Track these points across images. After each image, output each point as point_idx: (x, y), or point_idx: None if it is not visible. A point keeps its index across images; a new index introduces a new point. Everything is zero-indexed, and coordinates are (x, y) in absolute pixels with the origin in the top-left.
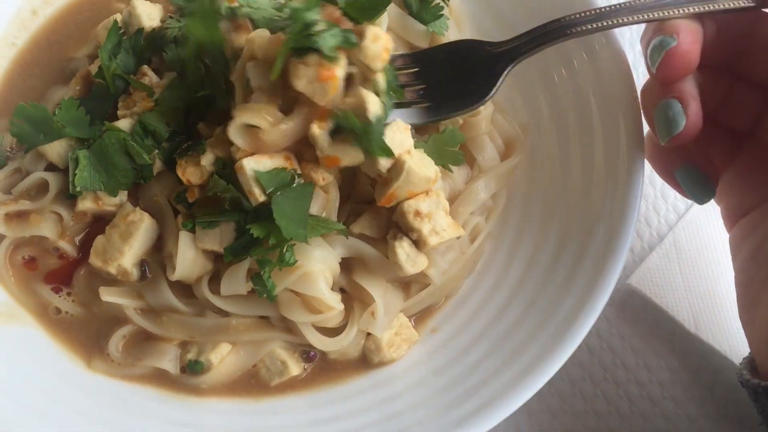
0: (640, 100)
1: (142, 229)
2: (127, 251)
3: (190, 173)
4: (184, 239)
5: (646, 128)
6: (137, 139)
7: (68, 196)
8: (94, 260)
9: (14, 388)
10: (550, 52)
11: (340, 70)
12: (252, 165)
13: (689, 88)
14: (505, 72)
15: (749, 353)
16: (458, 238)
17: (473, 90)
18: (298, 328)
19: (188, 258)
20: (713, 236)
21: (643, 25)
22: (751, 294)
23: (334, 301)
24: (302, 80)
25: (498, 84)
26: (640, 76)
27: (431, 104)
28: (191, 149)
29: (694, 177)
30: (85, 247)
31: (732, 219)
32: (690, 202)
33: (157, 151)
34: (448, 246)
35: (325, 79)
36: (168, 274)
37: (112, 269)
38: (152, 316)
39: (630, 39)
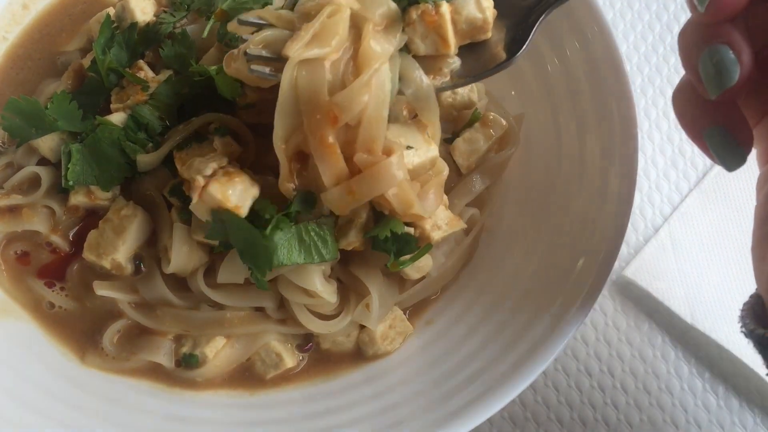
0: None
1: (135, 223)
2: (121, 245)
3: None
4: (179, 231)
5: (640, 117)
6: (130, 132)
7: (60, 191)
8: (88, 255)
9: (8, 383)
10: (543, 42)
11: None
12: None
13: (740, 29)
14: (538, 23)
15: (750, 297)
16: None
17: (500, 48)
18: (293, 309)
19: (183, 251)
20: (708, 227)
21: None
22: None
23: (328, 294)
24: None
25: (530, 38)
26: (633, 67)
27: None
28: (192, 141)
29: (725, 141)
30: (77, 242)
31: (766, 158)
32: (684, 192)
33: (150, 144)
34: (444, 238)
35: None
36: (163, 267)
37: (106, 263)
38: (146, 310)
39: (623, 30)
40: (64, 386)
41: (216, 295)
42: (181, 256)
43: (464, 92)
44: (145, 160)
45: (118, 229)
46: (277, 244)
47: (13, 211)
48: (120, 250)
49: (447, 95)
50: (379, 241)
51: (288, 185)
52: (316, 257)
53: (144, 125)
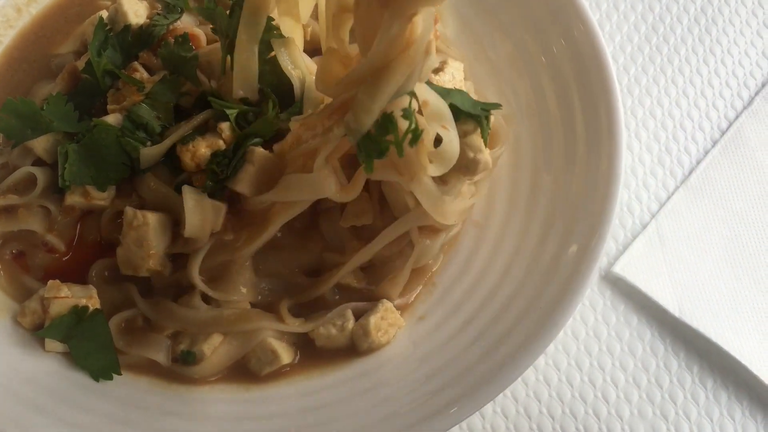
0: None
1: (152, 228)
2: (150, 253)
3: (200, 156)
4: (185, 191)
5: (627, 116)
6: (127, 132)
7: (56, 191)
8: (126, 271)
9: (6, 381)
10: (531, 41)
11: None
12: None
13: None
14: None
15: None
16: None
17: None
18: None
19: (191, 206)
20: (695, 223)
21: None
22: None
23: None
24: None
25: None
26: (620, 67)
27: None
28: (195, 135)
29: None
30: (73, 241)
31: None
32: (671, 189)
33: (150, 142)
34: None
35: None
36: (182, 231)
37: (145, 274)
38: (153, 303)
39: (609, 31)
40: (63, 384)
41: (271, 195)
42: (193, 213)
43: None
44: (149, 152)
45: (139, 241)
46: None
47: (9, 211)
48: (151, 258)
49: None
50: None
51: None
52: None
53: (142, 125)
